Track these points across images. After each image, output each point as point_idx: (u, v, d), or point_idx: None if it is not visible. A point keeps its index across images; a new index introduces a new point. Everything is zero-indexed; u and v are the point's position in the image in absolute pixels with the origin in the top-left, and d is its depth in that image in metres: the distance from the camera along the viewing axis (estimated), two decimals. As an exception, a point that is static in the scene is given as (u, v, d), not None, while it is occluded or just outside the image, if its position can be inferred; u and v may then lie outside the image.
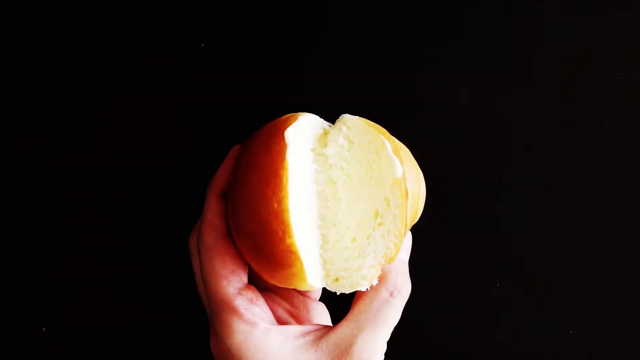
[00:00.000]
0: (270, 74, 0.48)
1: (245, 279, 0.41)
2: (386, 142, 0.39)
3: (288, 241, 0.38)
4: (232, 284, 0.40)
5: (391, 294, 0.40)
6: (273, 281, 0.40)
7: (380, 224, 0.39)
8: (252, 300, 0.40)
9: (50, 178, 0.48)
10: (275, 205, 0.37)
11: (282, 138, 0.38)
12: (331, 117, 0.48)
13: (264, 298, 0.42)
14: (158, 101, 0.48)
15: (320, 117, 0.43)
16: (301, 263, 0.38)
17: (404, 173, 0.38)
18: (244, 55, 0.49)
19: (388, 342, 0.40)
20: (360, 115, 0.42)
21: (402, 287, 0.40)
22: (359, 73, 0.48)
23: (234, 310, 0.39)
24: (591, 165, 0.48)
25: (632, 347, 0.48)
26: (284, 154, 0.38)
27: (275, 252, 0.38)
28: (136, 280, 0.48)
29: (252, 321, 0.39)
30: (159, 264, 0.48)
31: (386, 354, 0.40)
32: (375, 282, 0.39)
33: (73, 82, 0.49)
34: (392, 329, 0.40)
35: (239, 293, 0.40)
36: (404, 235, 0.39)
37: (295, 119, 0.40)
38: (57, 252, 0.48)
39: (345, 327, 0.39)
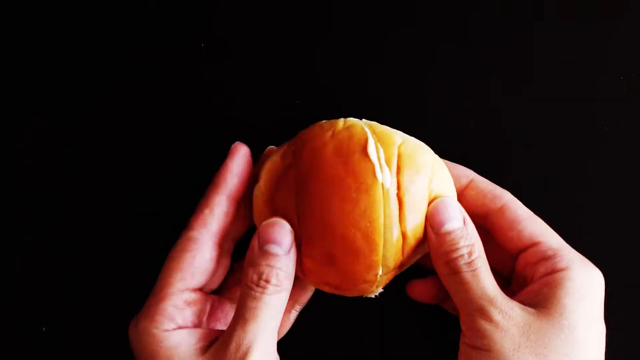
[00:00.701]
0: (271, 73, 0.48)
1: (198, 285, 0.41)
2: (368, 147, 0.39)
3: (375, 258, 0.38)
4: (183, 282, 0.40)
5: (247, 285, 0.38)
6: (334, 290, 0.40)
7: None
8: (190, 304, 0.40)
9: (50, 178, 0.48)
10: (367, 225, 0.38)
11: (367, 157, 0.38)
12: (331, 119, 0.48)
13: (216, 301, 0.43)
14: (158, 101, 0.48)
15: (320, 117, 0.43)
16: (377, 275, 0.39)
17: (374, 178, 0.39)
18: (244, 55, 0.49)
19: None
20: (360, 115, 0.42)
21: (254, 277, 0.38)
22: (359, 73, 0.48)
23: (162, 302, 0.40)
24: (591, 165, 0.48)
25: (632, 347, 0.48)
26: (374, 173, 0.38)
27: (357, 269, 0.38)
28: (136, 280, 0.48)
29: (170, 318, 0.39)
30: (159, 264, 0.48)
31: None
32: (381, 290, 0.40)
33: (73, 82, 0.49)
34: (272, 322, 0.38)
35: (181, 292, 0.40)
36: (375, 241, 0.39)
37: (365, 136, 0.39)
38: (57, 252, 0.48)
39: (230, 325, 0.38)
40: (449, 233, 0.39)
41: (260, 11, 0.49)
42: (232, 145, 0.42)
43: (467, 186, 0.43)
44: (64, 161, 0.48)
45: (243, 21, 0.49)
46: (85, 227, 0.48)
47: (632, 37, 0.49)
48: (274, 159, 0.41)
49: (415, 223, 0.39)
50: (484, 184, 0.43)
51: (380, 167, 0.39)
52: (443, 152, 0.48)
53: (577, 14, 0.49)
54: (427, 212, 0.40)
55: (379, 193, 0.38)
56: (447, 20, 0.49)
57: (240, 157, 0.42)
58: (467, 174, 0.43)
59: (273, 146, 0.44)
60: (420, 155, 0.40)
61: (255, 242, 0.39)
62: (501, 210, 0.42)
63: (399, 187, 0.39)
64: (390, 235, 0.38)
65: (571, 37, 0.48)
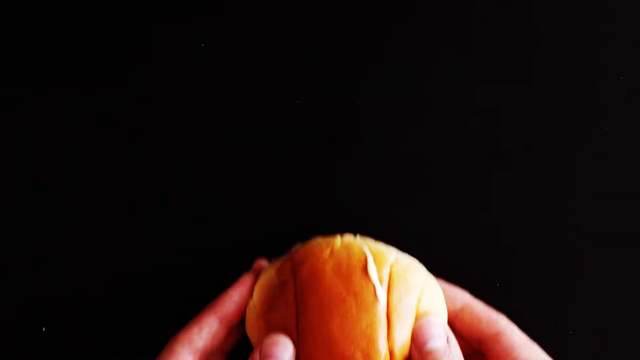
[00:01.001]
0: (270, 73, 0.48)
1: None
2: (369, 267, 0.40)
3: None
4: None
5: None
6: None
7: None
8: None
9: (49, 177, 0.48)
10: (367, 343, 0.38)
11: (367, 276, 0.39)
12: (331, 119, 0.48)
13: None
14: (158, 101, 0.48)
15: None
16: None
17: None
18: (244, 54, 0.49)
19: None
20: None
21: None
22: (359, 73, 0.48)
23: None
24: (591, 165, 0.48)
25: (632, 347, 0.48)
26: (374, 292, 0.39)
27: None
28: (137, 281, 0.48)
29: None
30: (160, 266, 0.48)
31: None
32: None
33: (73, 82, 0.49)
34: None
35: None
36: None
37: (364, 255, 0.40)
38: (57, 252, 0.48)
39: None
40: (431, 352, 0.39)
41: (260, 11, 0.49)
42: (242, 276, 0.43)
43: (462, 309, 0.43)
44: (63, 161, 0.48)
45: (243, 21, 0.49)
46: (85, 227, 0.48)
47: (632, 37, 0.49)
48: (269, 274, 0.42)
49: (402, 342, 0.40)
50: (479, 307, 0.43)
51: (381, 285, 0.39)
52: (443, 151, 0.48)
53: (577, 14, 0.49)
54: (412, 330, 0.40)
55: (379, 312, 0.39)
56: (447, 20, 0.49)
57: (242, 287, 0.42)
58: (462, 297, 0.44)
59: (263, 260, 0.44)
60: (411, 274, 0.41)
61: (256, 358, 0.39)
62: (496, 336, 0.42)
63: (388, 306, 0.39)
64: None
65: (571, 36, 0.48)
